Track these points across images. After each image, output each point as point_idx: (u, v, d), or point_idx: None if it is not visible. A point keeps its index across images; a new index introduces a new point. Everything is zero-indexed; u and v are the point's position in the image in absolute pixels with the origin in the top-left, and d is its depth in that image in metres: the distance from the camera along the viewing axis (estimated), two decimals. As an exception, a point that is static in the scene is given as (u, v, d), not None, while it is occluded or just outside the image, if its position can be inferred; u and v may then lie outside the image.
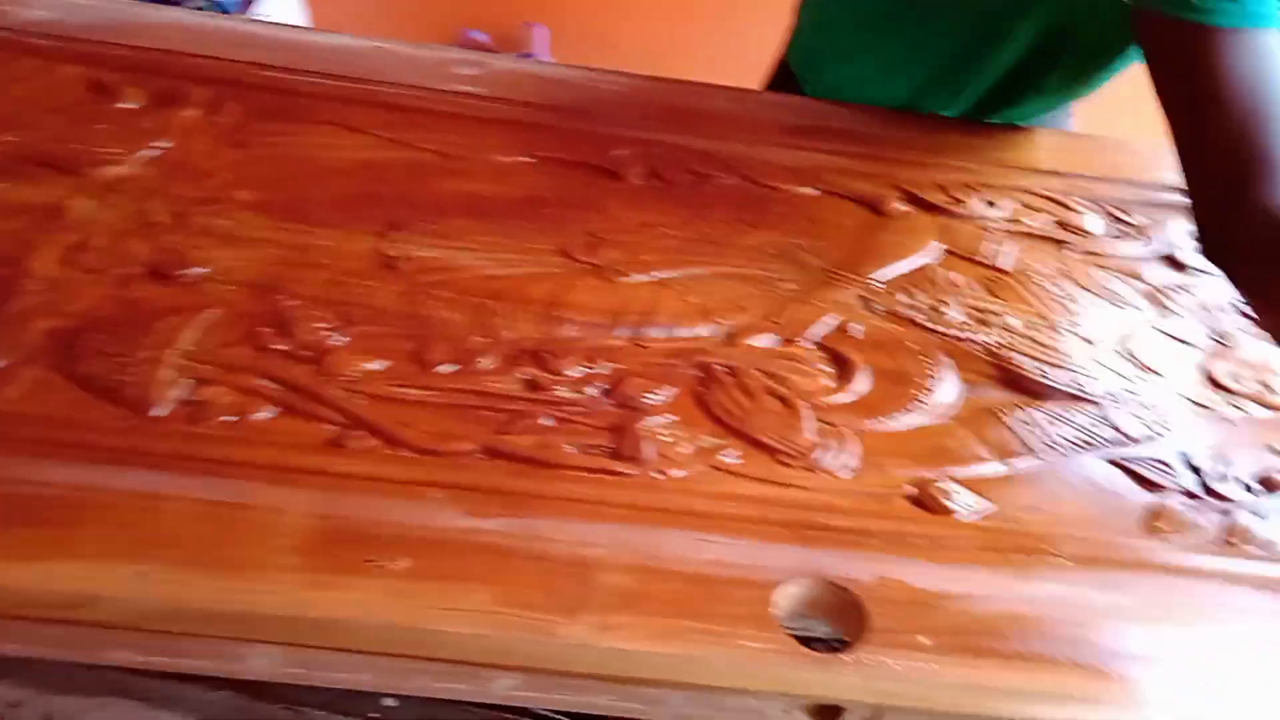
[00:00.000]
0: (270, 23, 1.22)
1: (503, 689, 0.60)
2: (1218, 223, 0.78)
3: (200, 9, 1.85)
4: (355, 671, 0.61)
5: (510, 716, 0.82)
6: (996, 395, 0.80)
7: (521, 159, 0.99)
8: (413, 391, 0.74)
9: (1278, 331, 0.75)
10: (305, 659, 0.60)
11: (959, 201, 1.01)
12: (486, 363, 0.77)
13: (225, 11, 1.89)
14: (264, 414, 0.70)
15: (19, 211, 0.82)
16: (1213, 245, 0.79)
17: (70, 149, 0.88)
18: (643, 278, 0.87)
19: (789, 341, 0.83)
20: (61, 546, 0.59)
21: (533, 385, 0.76)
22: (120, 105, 0.95)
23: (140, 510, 0.62)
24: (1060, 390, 0.81)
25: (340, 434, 0.70)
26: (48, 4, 1.06)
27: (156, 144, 0.91)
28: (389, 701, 0.82)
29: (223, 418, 0.70)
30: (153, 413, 0.69)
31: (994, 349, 0.84)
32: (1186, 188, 0.80)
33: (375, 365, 0.75)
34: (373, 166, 0.94)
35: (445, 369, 0.76)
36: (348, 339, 0.77)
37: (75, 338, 0.73)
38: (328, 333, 0.77)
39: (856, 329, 0.84)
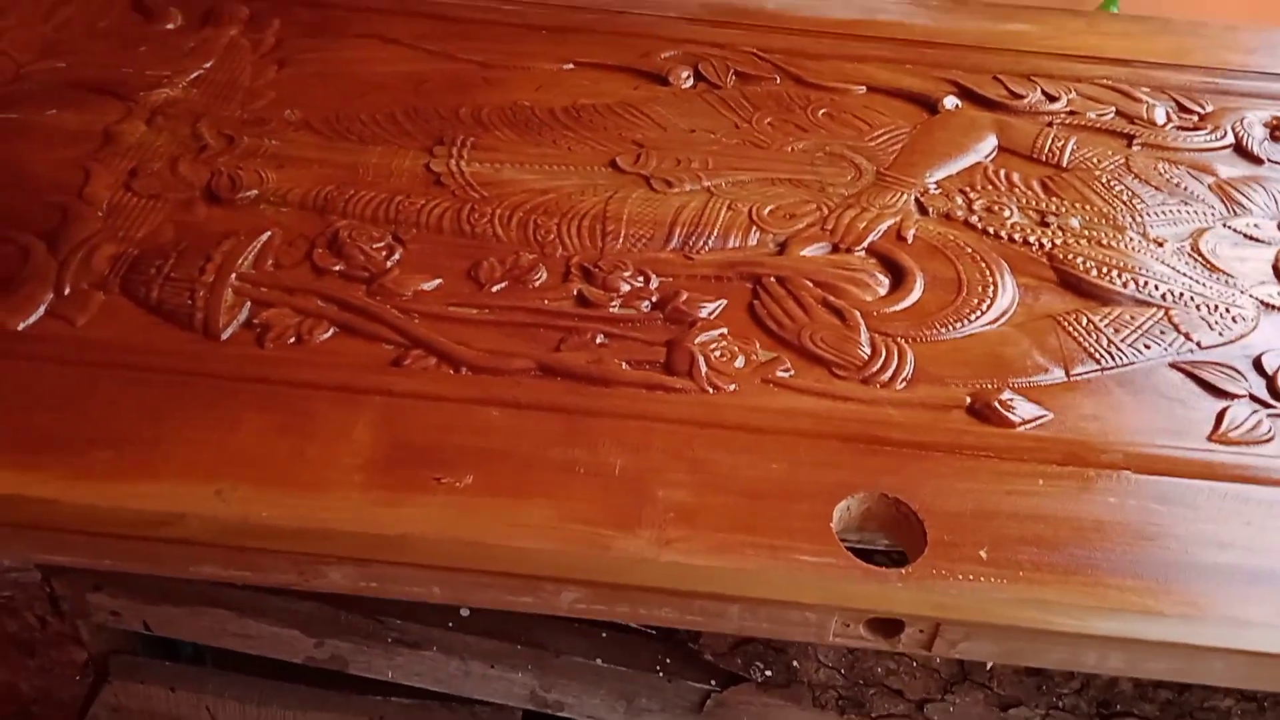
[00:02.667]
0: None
1: (568, 602, 0.62)
2: None
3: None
4: (425, 585, 0.63)
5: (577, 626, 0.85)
6: (1056, 300, 0.79)
7: (563, 66, 0.97)
8: (467, 310, 0.74)
9: None
10: (377, 574, 0.62)
11: (1016, 95, 0.97)
12: (538, 279, 0.77)
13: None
14: (325, 335, 0.71)
15: (74, 139, 0.82)
16: None
17: (118, 73, 0.89)
18: (691, 187, 0.86)
19: (841, 249, 0.82)
20: (143, 467, 0.61)
21: (584, 301, 0.76)
22: (163, 26, 0.94)
23: (214, 431, 0.64)
24: (1123, 294, 0.79)
25: (400, 353, 0.71)
26: (84, -79, 1.04)
27: (200, 65, 0.91)
28: (465, 611, 0.85)
29: (286, 339, 0.71)
30: (220, 336, 0.70)
31: (1053, 251, 0.82)
32: None
33: (429, 284, 0.76)
34: (414, 79, 0.94)
35: (497, 286, 0.76)
36: (401, 258, 0.77)
37: (139, 263, 0.74)
38: (382, 252, 0.77)
39: (910, 234, 0.83)
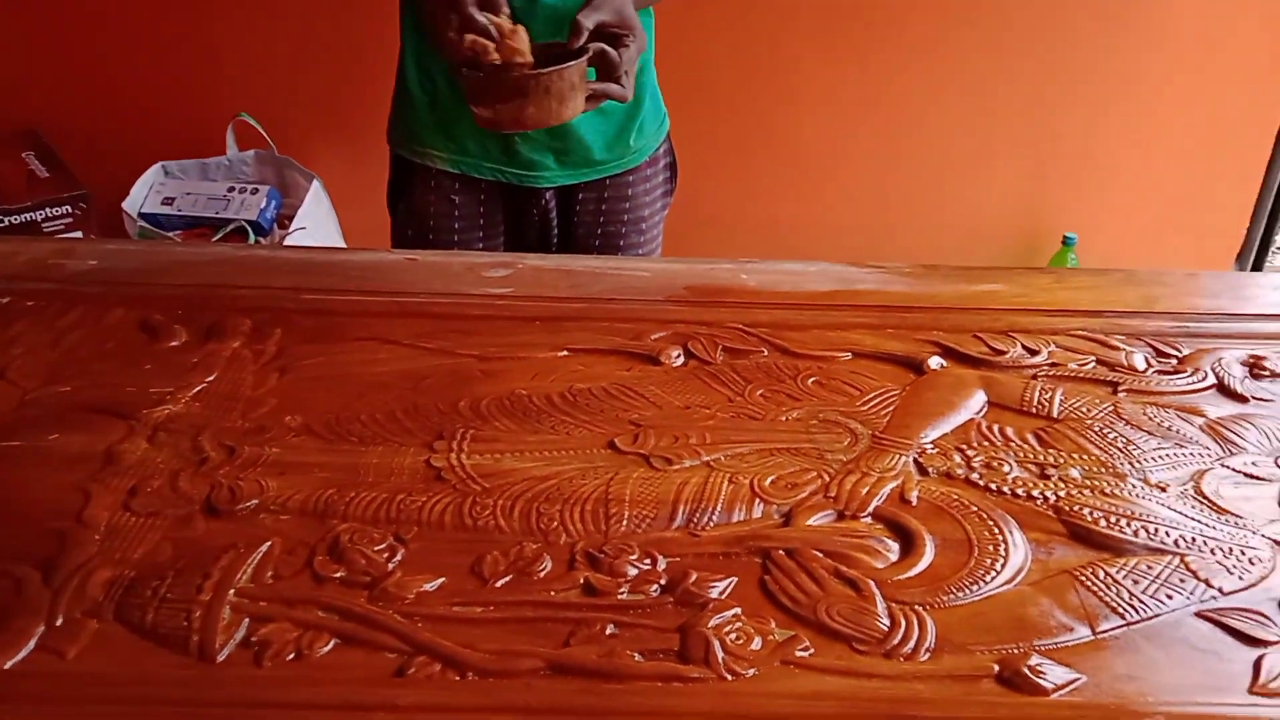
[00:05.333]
0: (304, 247, 1.28)
1: None
2: None
3: (239, 230, 1.94)
4: None
5: None
6: (1069, 554, 0.78)
7: (558, 354, 1.00)
8: (472, 609, 0.72)
9: None
10: None
11: (997, 352, 1.00)
12: (543, 569, 0.76)
13: (261, 229, 1.97)
14: (325, 648, 0.69)
15: (76, 461, 0.83)
16: None
17: (122, 393, 0.91)
18: (691, 463, 0.86)
19: (847, 516, 0.81)
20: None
21: (592, 589, 0.74)
22: (168, 344, 0.98)
23: (207, 769, 0.60)
24: (1136, 543, 0.78)
25: (403, 662, 0.68)
26: (96, 253, 1.11)
27: (203, 379, 0.93)
28: None
29: (285, 655, 0.68)
30: (216, 658, 0.67)
31: (1058, 504, 0.82)
32: None
33: (432, 584, 0.74)
34: (413, 377, 0.96)
35: (502, 580, 0.75)
36: (403, 559, 0.76)
37: (135, 585, 0.72)
38: (383, 554, 0.76)
39: (914, 496, 0.83)
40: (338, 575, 0.74)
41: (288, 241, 1.94)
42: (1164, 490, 0.83)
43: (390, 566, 0.75)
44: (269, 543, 0.76)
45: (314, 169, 2.08)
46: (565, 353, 1.00)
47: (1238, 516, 0.81)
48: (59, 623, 0.69)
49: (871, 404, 0.94)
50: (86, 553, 0.75)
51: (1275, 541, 0.79)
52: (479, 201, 1.29)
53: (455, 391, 0.94)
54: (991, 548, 0.78)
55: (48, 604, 0.70)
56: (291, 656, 0.68)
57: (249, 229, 1.96)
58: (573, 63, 1.02)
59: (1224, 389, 0.96)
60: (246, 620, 0.70)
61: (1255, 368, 0.99)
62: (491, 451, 0.87)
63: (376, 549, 0.76)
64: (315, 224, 1.98)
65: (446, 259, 1.15)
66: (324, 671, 0.68)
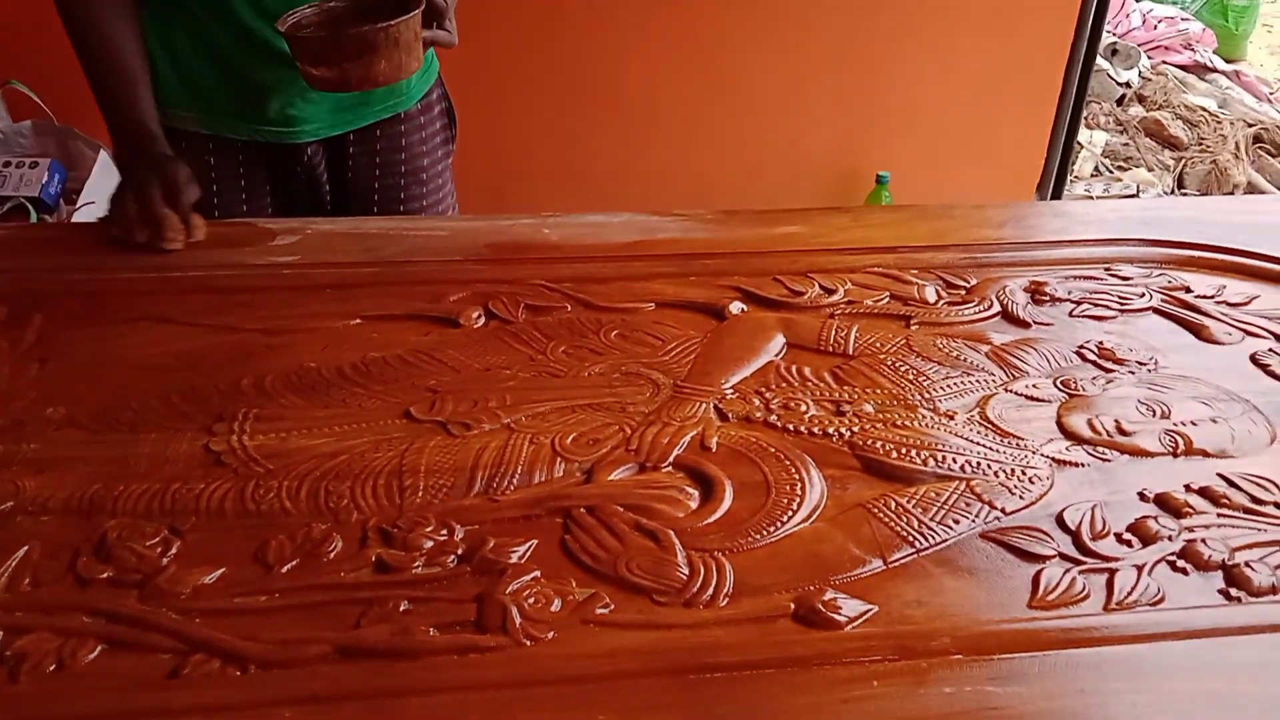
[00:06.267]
0: (67, 224, 1.17)
1: None
2: None
3: (19, 208, 1.80)
4: None
5: None
6: (863, 488, 0.79)
7: (350, 322, 0.96)
8: (255, 598, 0.69)
9: None
10: None
11: (796, 293, 1.01)
12: (333, 550, 0.72)
13: (46, 206, 1.82)
14: (90, 655, 0.64)
15: None
16: None
17: None
18: (490, 426, 0.84)
19: (648, 468, 0.81)
20: None
21: (384, 566, 0.71)
22: (-96, 339, 0.89)
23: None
24: (925, 472, 0.80)
25: (178, 662, 0.64)
26: None
27: (-51, 374, 0.85)
28: None
29: (45, 668, 0.63)
30: (-40, 681, 0.62)
31: (853, 439, 0.83)
32: None
33: (211, 576, 0.70)
34: (192, 357, 0.90)
35: (288, 565, 0.71)
36: (179, 552, 0.71)
37: None
38: (156, 549, 0.71)
39: (714, 443, 0.83)
40: (105, 576, 0.69)
41: (76, 218, 1.80)
42: (952, 418, 0.86)
43: (164, 561, 0.71)
44: (25, 548, 0.70)
45: (99, 138, 1.93)
46: (358, 321, 0.96)
47: (1019, 438, 0.84)
48: None
49: (674, 353, 0.94)
50: None
51: (1053, 459, 0.82)
52: (236, 163, 1.20)
53: (237, 369, 0.88)
54: (789, 488, 0.79)
55: None
56: (53, 668, 0.63)
57: (30, 206, 1.81)
58: (415, 10, 0.99)
59: (1008, 315, 1.00)
60: (0, 634, 0.65)
61: (1036, 293, 1.03)
62: (276, 431, 0.82)
63: (149, 544, 0.71)
64: (105, 197, 1.84)
65: (228, 228, 1.08)
66: (89, 680, 0.63)
